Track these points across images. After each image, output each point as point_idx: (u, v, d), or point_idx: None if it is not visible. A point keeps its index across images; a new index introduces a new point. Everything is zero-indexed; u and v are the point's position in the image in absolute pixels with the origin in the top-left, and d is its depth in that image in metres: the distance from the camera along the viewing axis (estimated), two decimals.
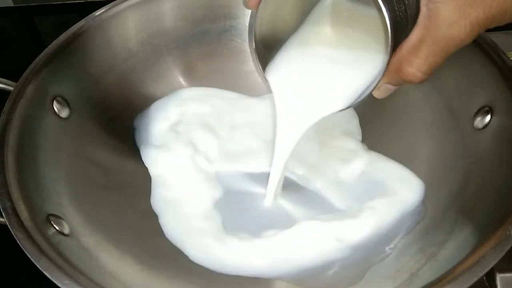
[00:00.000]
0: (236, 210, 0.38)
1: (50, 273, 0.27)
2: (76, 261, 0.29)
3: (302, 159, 0.41)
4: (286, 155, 0.35)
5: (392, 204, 0.36)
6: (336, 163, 0.40)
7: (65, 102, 0.39)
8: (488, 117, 0.36)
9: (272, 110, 0.41)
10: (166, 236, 0.37)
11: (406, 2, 0.24)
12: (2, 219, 0.29)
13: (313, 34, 0.33)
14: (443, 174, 0.38)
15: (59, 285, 0.26)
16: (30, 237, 0.28)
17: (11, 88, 0.36)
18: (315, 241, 0.35)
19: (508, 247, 0.27)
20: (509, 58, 0.36)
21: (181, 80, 0.47)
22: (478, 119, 0.36)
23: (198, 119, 0.44)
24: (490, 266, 0.26)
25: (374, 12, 0.27)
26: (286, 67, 0.33)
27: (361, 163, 0.40)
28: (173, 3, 0.45)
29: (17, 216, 0.29)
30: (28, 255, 0.28)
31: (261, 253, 0.35)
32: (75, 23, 0.41)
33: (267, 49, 0.32)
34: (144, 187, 0.40)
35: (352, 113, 0.45)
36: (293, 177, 0.40)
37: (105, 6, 0.42)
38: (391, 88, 0.27)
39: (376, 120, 0.44)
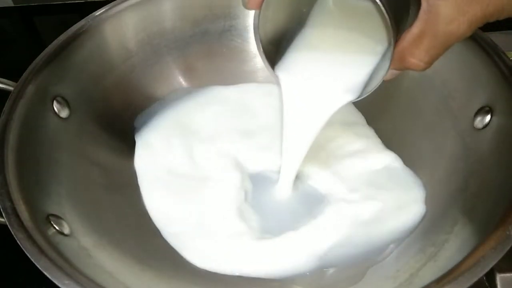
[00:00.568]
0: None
1: (50, 273, 0.27)
2: (76, 261, 0.29)
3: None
4: (302, 152, 0.35)
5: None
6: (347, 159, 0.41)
7: (65, 102, 0.39)
8: (488, 117, 0.36)
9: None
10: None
11: None
12: (2, 219, 0.29)
13: (319, 32, 0.33)
14: (443, 174, 0.38)
15: (59, 285, 0.26)
16: (30, 237, 0.28)
17: (11, 88, 0.36)
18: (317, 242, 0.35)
19: (508, 247, 0.27)
20: (509, 58, 0.36)
21: (181, 80, 0.47)
22: (478, 119, 0.36)
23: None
24: (490, 266, 0.26)
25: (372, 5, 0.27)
26: (295, 66, 0.33)
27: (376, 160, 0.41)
28: (173, 3, 0.45)
29: (17, 216, 0.29)
30: (28, 255, 0.28)
31: (263, 254, 0.35)
32: (75, 23, 0.41)
33: (273, 45, 0.33)
34: None
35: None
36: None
37: (105, 6, 0.42)
38: (396, 72, 0.29)
39: (376, 120, 0.44)
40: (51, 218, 0.32)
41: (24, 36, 0.63)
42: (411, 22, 0.26)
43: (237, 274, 0.35)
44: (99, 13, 0.42)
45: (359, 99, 0.31)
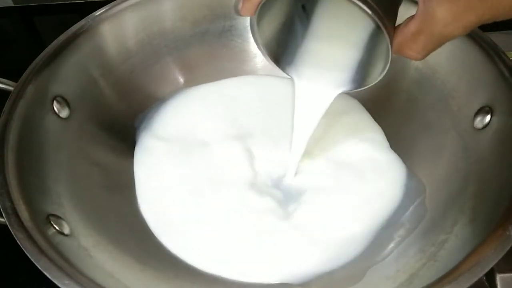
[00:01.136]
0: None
1: (50, 273, 0.27)
2: (76, 261, 0.29)
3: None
4: (307, 134, 0.37)
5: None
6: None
7: (65, 102, 0.39)
8: (488, 117, 0.36)
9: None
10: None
11: None
12: (2, 219, 0.29)
13: (321, 24, 0.34)
14: (443, 174, 0.38)
15: (59, 285, 0.26)
16: (30, 237, 0.28)
17: (11, 88, 0.36)
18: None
19: (508, 247, 0.27)
20: (509, 58, 0.36)
21: (181, 80, 0.47)
22: (478, 119, 0.36)
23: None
24: (490, 266, 0.26)
25: None
26: (304, 61, 0.35)
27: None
28: (173, 3, 0.45)
29: (17, 216, 0.29)
30: (28, 255, 0.28)
31: (261, 257, 0.35)
32: (75, 23, 0.41)
33: (274, 42, 0.34)
34: None
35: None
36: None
37: (105, 6, 0.42)
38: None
39: (376, 120, 0.44)
40: (51, 218, 0.32)
41: (24, 36, 0.63)
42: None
43: (236, 277, 0.35)
44: (99, 13, 0.42)
45: (362, 88, 0.33)
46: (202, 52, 0.47)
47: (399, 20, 0.28)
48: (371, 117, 0.44)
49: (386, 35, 0.27)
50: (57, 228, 0.31)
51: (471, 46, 0.38)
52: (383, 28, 0.26)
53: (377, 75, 0.31)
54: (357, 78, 0.34)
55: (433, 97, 0.41)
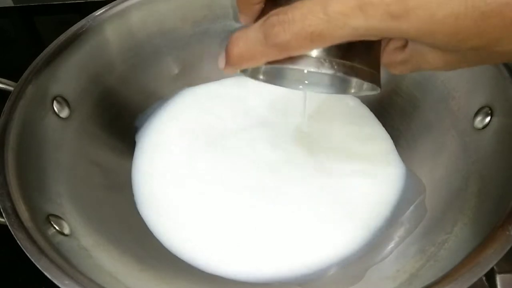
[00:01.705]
0: None
1: (50, 273, 0.27)
2: (76, 261, 0.29)
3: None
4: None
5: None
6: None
7: (65, 102, 0.39)
8: (488, 117, 0.36)
9: None
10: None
11: None
12: (2, 219, 0.29)
13: None
14: (443, 174, 0.38)
15: (59, 285, 0.26)
16: (30, 237, 0.28)
17: (11, 88, 0.36)
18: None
19: (508, 247, 0.27)
20: None
21: (181, 80, 0.47)
22: (478, 119, 0.36)
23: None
24: (490, 266, 0.26)
25: None
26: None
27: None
28: (173, 3, 0.45)
29: (17, 216, 0.29)
30: (28, 255, 0.28)
31: (261, 257, 0.35)
32: (75, 23, 0.41)
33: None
34: None
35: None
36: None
37: (105, 6, 0.42)
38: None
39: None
40: (51, 218, 0.32)
41: (24, 36, 0.63)
42: None
43: (235, 277, 0.35)
44: (99, 13, 0.42)
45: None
46: (202, 52, 0.47)
47: None
48: (374, 116, 0.44)
49: (377, 88, 0.26)
50: (57, 228, 0.31)
51: None
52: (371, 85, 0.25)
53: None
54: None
55: (433, 97, 0.41)
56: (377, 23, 0.20)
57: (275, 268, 0.35)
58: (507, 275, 0.33)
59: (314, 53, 0.23)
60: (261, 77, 0.30)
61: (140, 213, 0.38)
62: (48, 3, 0.64)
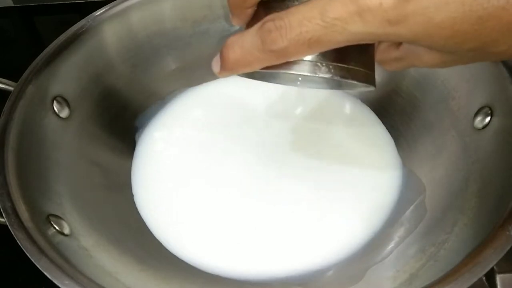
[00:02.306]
0: None
1: (50, 273, 0.27)
2: (76, 261, 0.29)
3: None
4: None
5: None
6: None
7: (65, 102, 0.39)
8: (488, 117, 0.36)
9: None
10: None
11: None
12: (2, 219, 0.29)
13: None
14: (443, 174, 0.38)
15: (59, 285, 0.26)
16: (30, 237, 0.28)
17: (11, 88, 0.36)
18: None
19: (508, 247, 0.27)
20: None
21: (181, 80, 0.47)
22: (478, 119, 0.36)
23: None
24: (490, 266, 0.26)
25: None
26: None
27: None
28: (173, 3, 0.45)
29: (17, 216, 0.29)
30: (28, 255, 0.28)
31: (261, 257, 0.36)
32: (75, 23, 0.41)
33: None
34: None
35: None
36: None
37: (105, 6, 0.42)
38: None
39: None
40: (51, 218, 0.32)
41: (24, 36, 0.63)
42: None
43: (235, 276, 0.35)
44: (99, 13, 0.42)
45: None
46: (202, 52, 0.47)
47: None
48: (375, 116, 0.44)
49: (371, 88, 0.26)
50: (57, 228, 0.31)
51: None
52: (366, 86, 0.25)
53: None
54: None
55: (433, 97, 0.41)
56: (375, 29, 0.20)
57: (275, 268, 0.35)
58: (507, 275, 0.33)
59: (309, 57, 0.23)
60: (256, 76, 0.30)
61: (140, 213, 0.38)
62: (48, 3, 0.64)
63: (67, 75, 0.39)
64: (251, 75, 0.30)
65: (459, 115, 0.38)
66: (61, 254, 0.28)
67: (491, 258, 0.26)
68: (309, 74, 0.23)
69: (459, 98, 0.39)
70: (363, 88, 0.27)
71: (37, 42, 0.63)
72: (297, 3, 0.22)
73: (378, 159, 0.41)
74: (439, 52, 0.23)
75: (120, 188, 0.40)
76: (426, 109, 0.41)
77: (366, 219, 0.37)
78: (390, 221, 0.37)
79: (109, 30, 0.43)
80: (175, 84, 0.47)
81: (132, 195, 0.39)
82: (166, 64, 0.47)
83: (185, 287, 0.34)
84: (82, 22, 0.41)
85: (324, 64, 0.23)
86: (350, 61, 0.24)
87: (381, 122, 0.44)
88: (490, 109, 0.36)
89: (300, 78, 0.32)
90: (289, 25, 0.21)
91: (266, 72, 0.30)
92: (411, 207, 0.37)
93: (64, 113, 0.38)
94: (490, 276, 0.33)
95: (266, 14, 0.22)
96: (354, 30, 0.20)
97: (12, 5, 0.64)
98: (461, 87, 0.39)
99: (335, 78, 0.23)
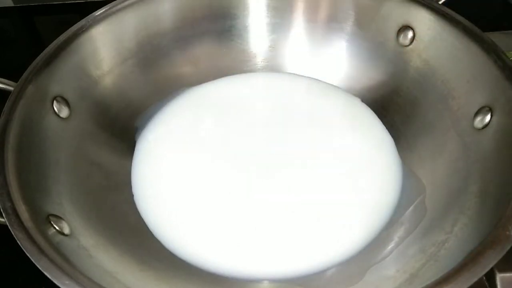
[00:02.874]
0: None
1: (50, 273, 0.27)
2: (76, 261, 0.29)
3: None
4: None
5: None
6: None
7: (65, 102, 0.39)
8: (488, 117, 0.36)
9: None
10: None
11: None
12: (2, 219, 0.29)
13: None
14: (443, 174, 0.38)
15: (59, 285, 0.26)
16: (30, 237, 0.28)
17: (11, 88, 0.36)
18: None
19: (508, 247, 0.27)
20: (509, 58, 0.36)
21: (181, 80, 0.47)
22: (478, 119, 0.36)
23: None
24: (490, 266, 0.26)
25: None
26: None
27: None
28: (173, 3, 0.45)
29: (17, 216, 0.29)
30: (28, 255, 0.27)
31: (261, 257, 0.36)
32: (75, 23, 0.41)
33: None
34: None
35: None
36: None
37: (105, 6, 0.42)
38: None
39: None
40: (51, 218, 0.32)
41: (24, 36, 0.63)
42: None
43: (236, 276, 0.35)
44: (99, 13, 0.42)
45: None
46: (202, 52, 0.47)
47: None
48: (375, 116, 0.45)
49: None
50: (57, 228, 0.31)
51: (471, 46, 0.38)
52: None
53: None
54: None
55: (433, 97, 0.41)
56: None
57: (275, 267, 0.35)
58: (507, 275, 0.33)
59: None
60: None
61: (140, 213, 0.38)
62: (48, 3, 0.64)
63: (67, 75, 0.39)
64: None
65: (459, 115, 0.38)
66: (61, 254, 0.28)
67: (491, 258, 0.26)
68: None
69: (459, 98, 0.39)
70: None
71: (37, 42, 0.63)
72: None
73: (378, 159, 0.41)
74: None
75: (120, 188, 0.40)
76: (426, 109, 0.41)
77: (366, 219, 0.37)
78: (390, 221, 0.37)
79: (109, 30, 0.43)
80: (175, 84, 0.47)
81: (132, 195, 0.39)
82: (166, 64, 0.47)
83: (185, 287, 0.34)
84: (82, 22, 0.41)
85: None
86: None
87: (381, 122, 0.44)
88: (490, 109, 0.36)
89: None
90: None
91: None
92: (411, 207, 0.37)
93: (64, 113, 0.38)
94: (490, 276, 0.33)
95: None
96: None
97: (12, 5, 0.64)
98: (461, 87, 0.39)
99: None
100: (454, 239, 0.32)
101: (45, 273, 0.27)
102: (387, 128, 0.43)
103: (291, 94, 0.47)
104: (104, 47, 0.43)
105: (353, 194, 0.39)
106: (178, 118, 0.45)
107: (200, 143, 0.43)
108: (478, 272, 0.26)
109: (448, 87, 0.40)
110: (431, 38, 0.41)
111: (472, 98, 0.38)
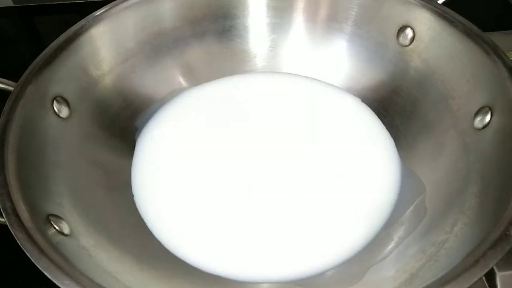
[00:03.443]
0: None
1: (50, 273, 0.27)
2: (76, 261, 0.29)
3: None
4: None
5: None
6: None
7: (65, 102, 0.39)
8: (488, 117, 0.36)
9: None
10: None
11: None
12: (2, 219, 0.29)
13: None
14: (443, 174, 0.38)
15: (59, 285, 0.26)
16: (30, 237, 0.28)
17: (11, 88, 0.36)
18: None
19: (508, 247, 0.27)
20: (509, 58, 0.36)
21: (181, 80, 0.47)
22: (478, 119, 0.36)
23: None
24: (490, 266, 0.26)
25: None
26: None
27: None
28: (173, 3, 0.45)
29: (17, 216, 0.29)
30: (28, 255, 0.27)
31: (261, 257, 0.36)
32: (75, 23, 0.41)
33: None
34: None
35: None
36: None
37: (105, 6, 0.42)
38: None
39: None
40: (51, 218, 0.32)
41: (24, 36, 0.63)
42: None
43: (236, 277, 0.35)
44: (99, 13, 0.42)
45: None
46: (202, 52, 0.47)
47: None
48: (375, 115, 0.45)
49: None
50: (57, 228, 0.31)
51: (471, 46, 0.38)
52: None
53: None
54: None
55: (433, 97, 0.41)
56: None
57: (275, 268, 0.35)
58: (507, 275, 0.33)
59: None
60: None
61: (140, 213, 0.38)
62: (48, 3, 0.64)
63: (67, 75, 0.39)
64: None
65: (459, 115, 0.38)
66: (61, 254, 0.28)
67: (491, 258, 0.26)
68: None
69: (459, 98, 0.39)
70: None
71: (37, 42, 0.63)
72: None
73: (378, 159, 0.41)
74: None
75: (120, 188, 0.40)
76: (426, 109, 0.41)
77: (366, 219, 0.37)
78: (390, 221, 0.37)
79: (109, 30, 0.43)
80: (175, 84, 0.47)
81: (132, 195, 0.39)
82: (166, 64, 0.47)
83: (185, 287, 0.34)
84: (82, 22, 0.41)
85: None
86: None
87: (381, 122, 0.44)
88: (490, 109, 0.36)
89: None
90: None
91: None
92: (411, 207, 0.37)
93: (64, 113, 0.38)
94: (490, 276, 0.33)
95: None
96: None
97: (12, 5, 0.64)
98: (461, 87, 0.39)
99: None
100: (454, 239, 0.32)
101: (45, 273, 0.27)
102: (387, 128, 0.43)
103: (291, 94, 0.47)
104: (104, 47, 0.43)
105: (353, 194, 0.39)
106: (178, 118, 0.45)
107: (200, 143, 0.43)
108: (478, 272, 0.26)
109: (448, 87, 0.40)
110: (431, 38, 0.41)
111: (472, 98, 0.38)
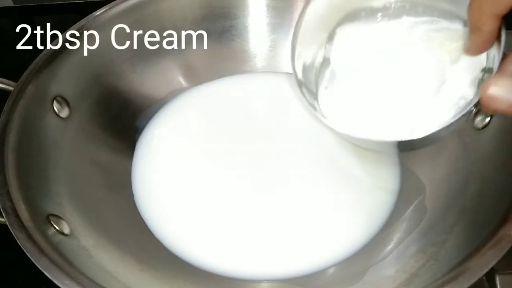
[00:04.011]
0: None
1: (50, 273, 0.27)
2: (76, 261, 0.29)
3: None
4: None
5: None
6: None
7: (65, 102, 0.39)
8: (488, 117, 0.36)
9: None
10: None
11: None
12: (2, 219, 0.29)
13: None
14: (443, 174, 0.38)
15: (59, 285, 0.26)
16: (30, 237, 0.28)
17: (11, 88, 0.36)
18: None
19: (508, 247, 0.27)
20: None
21: (181, 80, 0.47)
22: (478, 119, 0.36)
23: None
24: (490, 266, 0.26)
25: None
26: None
27: None
28: (173, 3, 0.45)
29: (17, 216, 0.29)
30: (28, 255, 0.28)
31: (261, 257, 0.36)
32: (75, 23, 0.41)
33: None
34: None
35: None
36: None
37: (105, 6, 0.42)
38: None
39: None
40: (51, 218, 0.32)
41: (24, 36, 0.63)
42: None
43: (236, 276, 0.35)
44: (99, 13, 0.42)
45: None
46: (202, 52, 0.47)
47: None
48: None
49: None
50: (57, 228, 0.31)
51: None
52: None
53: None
54: None
55: None
56: None
57: (275, 267, 0.35)
58: (507, 275, 0.33)
59: None
60: None
61: (140, 213, 0.38)
62: (48, 3, 0.64)
63: (67, 75, 0.39)
64: None
65: None
66: (61, 254, 0.29)
67: (491, 258, 0.26)
68: None
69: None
70: None
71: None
72: None
73: (378, 159, 0.41)
74: None
75: (120, 188, 0.40)
76: None
77: (366, 219, 0.37)
78: (390, 221, 0.37)
79: (109, 30, 0.42)
80: (175, 84, 0.47)
81: (132, 195, 0.40)
82: (166, 64, 0.47)
83: (185, 287, 0.34)
84: (82, 22, 0.41)
85: None
86: None
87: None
88: None
89: None
90: None
91: None
92: (411, 207, 0.37)
93: (64, 113, 0.38)
94: (490, 276, 0.33)
95: None
96: None
97: (12, 5, 0.64)
98: None
99: None
100: (454, 239, 0.32)
101: (45, 273, 0.27)
102: None
103: (291, 94, 0.47)
104: (104, 47, 0.42)
105: (353, 194, 0.39)
106: (178, 118, 0.45)
107: (199, 143, 0.43)
108: (478, 272, 0.26)
109: None
110: None
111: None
